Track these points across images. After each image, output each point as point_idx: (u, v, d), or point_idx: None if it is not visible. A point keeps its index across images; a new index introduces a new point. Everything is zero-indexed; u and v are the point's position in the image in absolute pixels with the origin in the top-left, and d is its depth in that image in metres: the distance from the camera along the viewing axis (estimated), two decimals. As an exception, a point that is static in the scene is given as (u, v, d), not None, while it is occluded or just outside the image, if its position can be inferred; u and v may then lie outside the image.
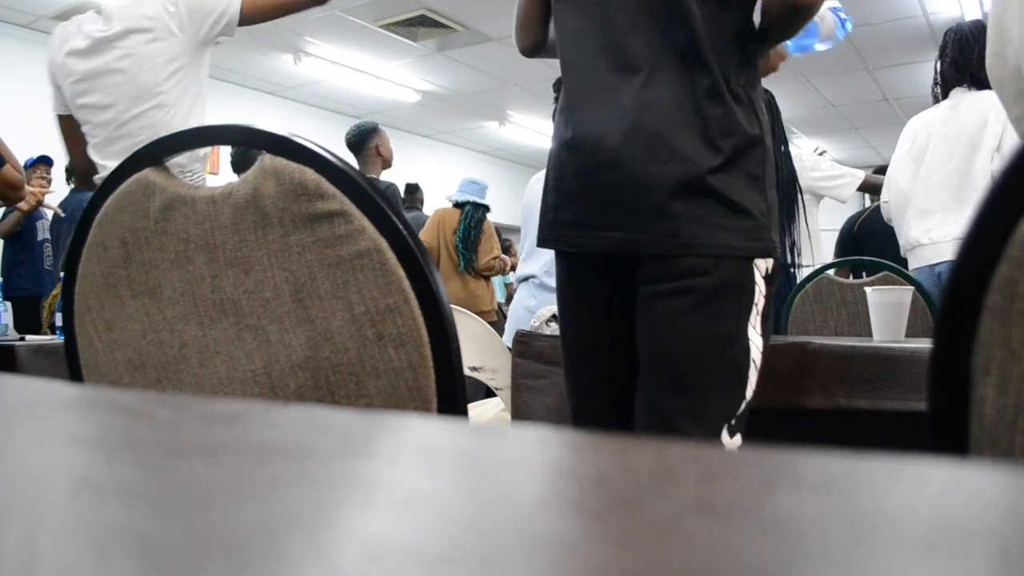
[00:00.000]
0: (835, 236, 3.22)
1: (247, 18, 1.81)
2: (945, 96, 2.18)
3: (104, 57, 1.74)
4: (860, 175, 2.89)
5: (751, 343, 1.01)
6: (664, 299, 1.02)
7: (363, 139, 3.32)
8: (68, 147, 1.91)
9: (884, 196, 2.34)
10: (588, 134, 1.06)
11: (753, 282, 1.02)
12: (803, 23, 1.05)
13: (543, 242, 1.16)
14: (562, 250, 1.14)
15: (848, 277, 2.49)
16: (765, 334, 1.05)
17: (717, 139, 1.00)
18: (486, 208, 3.66)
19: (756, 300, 1.02)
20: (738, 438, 1.02)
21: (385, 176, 3.48)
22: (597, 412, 1.13)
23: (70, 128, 1.85)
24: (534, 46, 1.26)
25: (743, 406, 1.02)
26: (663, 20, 1.02)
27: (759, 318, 1.03)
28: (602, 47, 1.06)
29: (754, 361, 1.02)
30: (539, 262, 2.36)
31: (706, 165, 0.99)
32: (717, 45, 1.02)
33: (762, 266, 1.03)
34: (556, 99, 2.38)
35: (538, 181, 2.41)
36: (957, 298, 0.41)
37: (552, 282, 2.28)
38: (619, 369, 1.11)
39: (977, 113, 2.05)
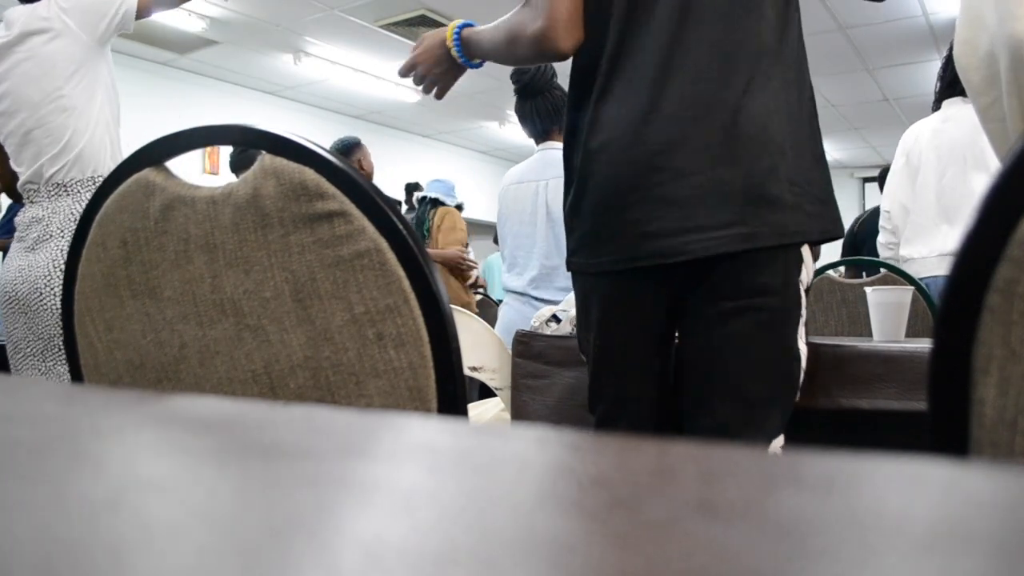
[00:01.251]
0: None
1: (143, 12, 1.78)
2: (939, 104, 2.19)
3: (5, 64, 1.72)
4: None
5: (801, 352, 1.04)
6: (733, 317, 1.02)
7: (346, 153, 3.36)
8: None
9: (885, 205, 2.37)
10: (674, 136, 1.00)
11: (801, 295, 1.05)
12: None
13: (605, 262, 1.07)
14: (634, 266, 1.05)
15: (851, 277, 2.50)
16: (808, 341, 1.08)
17: (802, 126, 1.04)
18: (435, 201, 3.66)
19: (802, 311, 1.05)
20: (781, 437, 1.05)
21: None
22: (632, 421, 1.12)
23: None
24: (576, 45, 1.08)
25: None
26: (741, 14, 1.02)
27: (803, 328, 1.06)
28: (670, 41, 1.02)
29: (803, 369, 1.05)
30: (525, 277, 2.27)
31: (806, 157, 1.03)
32: (786, 35, 1.04)
33: (805, 280, 1.05)
34: (523, 88, 2.27)
35: (514, 186, 2.27)
36: (957, 298, 0.41)
37: (541, 294, 2.22)
38: (657, 379, 1.11)
39: (968, 126, 2.03)
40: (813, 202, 1.03)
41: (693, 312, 1.05)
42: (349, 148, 3.37)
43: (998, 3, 0.95)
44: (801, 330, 1.05)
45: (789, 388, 1.04)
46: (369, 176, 3.43)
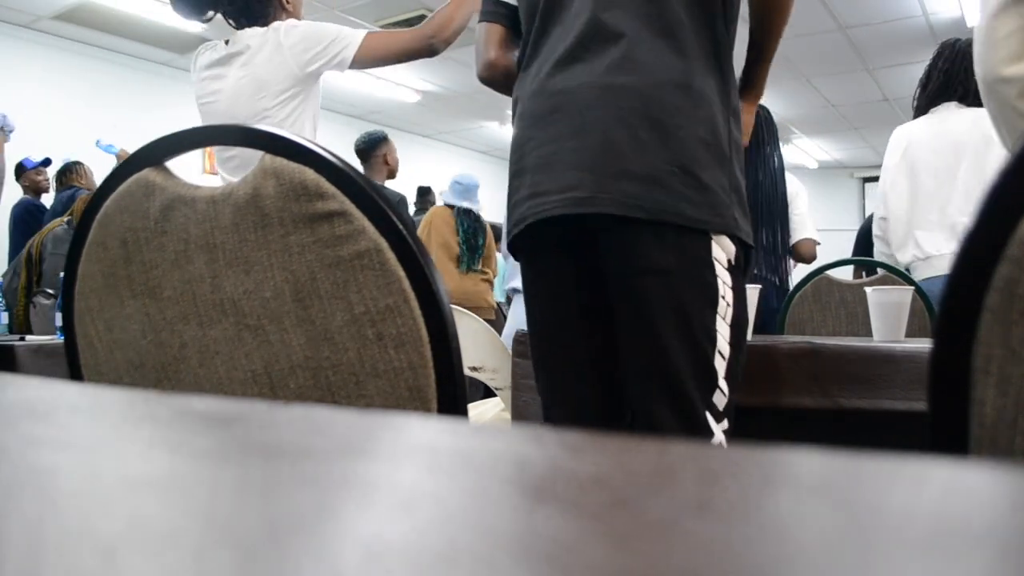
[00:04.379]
0: (835, 236, 3.18)
1: (360, 63, 1.83)
2: (927, 109, 2.18)
3: (222, 80, 1.79)
4: (813, 235, 2.68)
5: (719, 336, 1.02)
6: (627, 292, 1.03)
7: (372, 147, 3.36)
8: None
9: (880, 212, 2.30)
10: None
11: (718, 279, 1.02)
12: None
13: (512, 248, 1.14)
14: (522, 229, 1.10)
15: (862, 276, 2.48)
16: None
17: (698, 105, 1.04)
18: (476, 213, 3.67)
19: (721, 296, 1.02)
20: (721, 434, 1.03)
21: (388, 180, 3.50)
22: (561, 388, 1.15)
23: None
24: (486, 73, 1.24)
25: None
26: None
27: (728, 312, 1.03)
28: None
29: (727, 358, 1.03)
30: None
31: (698, 138, 1.02)
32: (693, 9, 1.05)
33: (722, 261, 1.02)
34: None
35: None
36: (957, 298, 0.41)
37: None
38: (587, 349, 1.13)
39: (964, 128, 2.06)
40: (693, 185, 0.99)
41: (609, 287, 1.07)
42: (377, 142, 3.38)
43: (982, 43, 1.01)
44: (721, 314, 1.02)
45: (704, 373, 1.01)
46: (393, 171, 3.45)
